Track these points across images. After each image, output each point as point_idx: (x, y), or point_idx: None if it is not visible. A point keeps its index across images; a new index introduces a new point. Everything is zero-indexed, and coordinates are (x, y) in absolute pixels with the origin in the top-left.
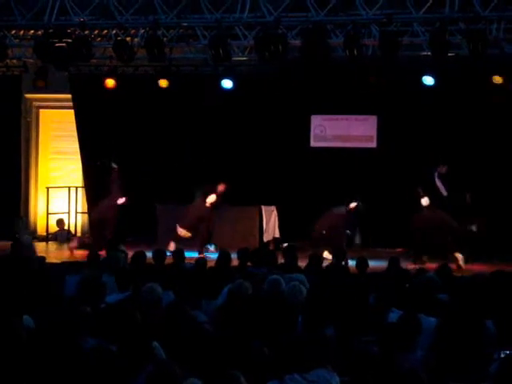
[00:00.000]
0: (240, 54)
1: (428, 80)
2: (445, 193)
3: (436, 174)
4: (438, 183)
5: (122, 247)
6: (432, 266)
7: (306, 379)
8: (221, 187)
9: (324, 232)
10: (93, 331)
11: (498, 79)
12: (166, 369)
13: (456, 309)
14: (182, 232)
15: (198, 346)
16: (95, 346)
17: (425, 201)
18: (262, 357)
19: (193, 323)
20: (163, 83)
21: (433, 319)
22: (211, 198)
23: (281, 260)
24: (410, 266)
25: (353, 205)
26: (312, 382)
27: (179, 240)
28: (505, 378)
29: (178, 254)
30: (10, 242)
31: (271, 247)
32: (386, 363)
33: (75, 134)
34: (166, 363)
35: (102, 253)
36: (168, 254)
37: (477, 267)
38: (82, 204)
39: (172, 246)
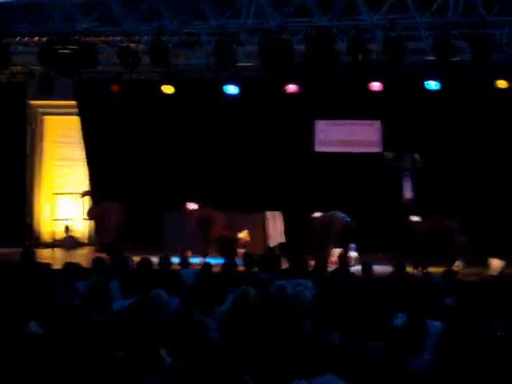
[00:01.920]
0: (244, 60)
1: (432, 85)
2: (410, 195)
3: (408, 173)
4: (406, 183)
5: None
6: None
7: None
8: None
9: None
10: (100, 338)
11: (502, 83)
12: (172, 376)
13: (462, 313)
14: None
15: (204, 352)
16: (103, 353)
17: (415, 217)
18: (268, 363)
19: (200, 329)
20: (168, 89)
21: (439, 323)
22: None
23: (286, 265)
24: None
25: None
26: None
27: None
28: None
29: (184, 260)
30: (17, 249)
31: (277, 252)
32: (393, 368)
33: (81, 140)
34: (173, 370)
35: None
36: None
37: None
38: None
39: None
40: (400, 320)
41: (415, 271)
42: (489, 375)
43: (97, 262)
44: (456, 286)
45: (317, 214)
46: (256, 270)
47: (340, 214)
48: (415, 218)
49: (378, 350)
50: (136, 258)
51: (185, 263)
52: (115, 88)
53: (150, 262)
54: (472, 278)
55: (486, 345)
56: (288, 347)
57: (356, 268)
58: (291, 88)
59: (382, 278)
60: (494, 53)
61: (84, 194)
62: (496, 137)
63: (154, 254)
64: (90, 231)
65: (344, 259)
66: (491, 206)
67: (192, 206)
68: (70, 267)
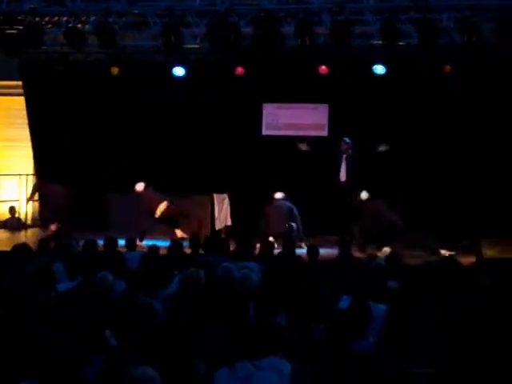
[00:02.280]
0: (192, 42)
1: (379, 69)
2: (343, 177)
3: (344, 156)
4: (343, 166)
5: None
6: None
7: (256, 367)
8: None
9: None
10: (44, 320)
11: (448, 68)
12: (116, 357)
13: (405, 296)
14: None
15: (150, 334)
16: (46, 334)
17: (364, 194)
18: (213, 344)
19: (147, 312)
20: (114, 70)
21: (383, 306)
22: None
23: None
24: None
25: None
26: (263, 369)
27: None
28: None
29: (131, 242)
30: None
31: (223, 235)
32: (337, 350)
33: (26, 121)
34: (117, 352)
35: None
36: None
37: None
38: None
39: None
40: (345, 303)
41: (361, 254)
42: (431, 358)
43: (42, 243)
44: (399, 269)
45: (278, 195)
46: (202, 252)
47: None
48: (364, 195)
49: (323, 333)
50: (81, 240)
51: (131, 245)
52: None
53: (96, 244)
54: (415, 261)
55: (428, 327)
56: (234, 329)
57: (302, 251)
58: (239, 71)
59: (328, 260)
60: (440, 37)
61: (34, 191)
62: (443, 120)
63: (99, 236)
64: (34, 213)
65: (289, 242)
66: (436, 190)
67: (140, 186)
68: (19, 248)
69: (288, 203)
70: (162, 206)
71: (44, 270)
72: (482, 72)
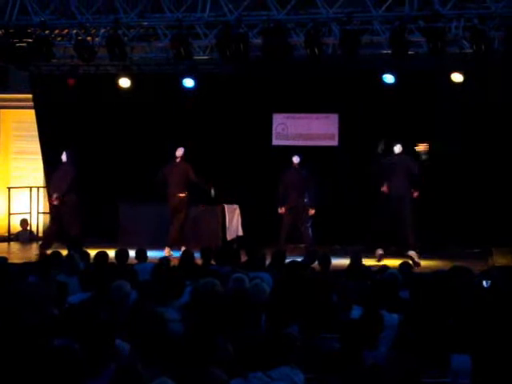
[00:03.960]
0: (201, 53)
1: (388, 78)
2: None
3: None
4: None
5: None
6: (393, 263)
7: (269, 377)
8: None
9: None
10: (57, 331)
11: (457, 77)
12: (128, 368)
13: (418, 305)
14: None
15: (163, 344)
16: (57, 345)
17: (397, 148)
18: (226, 355)
19: (158, 321)
20: (124, 83)
21: (395, 316)
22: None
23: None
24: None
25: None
26: (276, 379)
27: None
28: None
29: (141, 253)
30: None
31: (234, 246)
32: (349, 360)
33: (36, 133)
34: (129, 362)
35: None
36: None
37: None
38: (43, 204)
39: (167, 251)
40: (356, 313)
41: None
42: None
43: (53, 256)
44: (411, 278)
45: (296, 159)
46: (213, 263)
47: None
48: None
49: (335, 343)
50: (91, 252)
51: (141, 256)
52: (71, 81)
53: (107, 256)
54: (426, 270)
55: (441, 337)
56: (246, 340)
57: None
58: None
59: (339, 270)
60: (449, 46)
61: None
62: (452, 130)
63: (109, 247)
64: (45, 225)
65: (312, 254)
66: (449, 198)
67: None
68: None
69: (305, 171)
70: (182, 195)
71: (55, 283)
72: (491, 80)
